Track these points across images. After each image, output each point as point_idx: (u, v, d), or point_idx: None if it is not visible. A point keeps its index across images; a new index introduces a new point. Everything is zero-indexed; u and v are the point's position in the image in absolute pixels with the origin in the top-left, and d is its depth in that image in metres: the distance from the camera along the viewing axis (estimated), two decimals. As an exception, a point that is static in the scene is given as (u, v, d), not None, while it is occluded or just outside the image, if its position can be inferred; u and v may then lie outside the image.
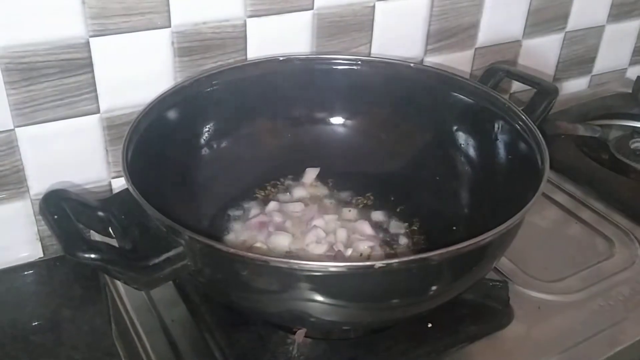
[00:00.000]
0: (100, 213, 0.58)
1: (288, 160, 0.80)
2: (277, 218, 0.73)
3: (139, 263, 0.51)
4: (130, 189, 0.55)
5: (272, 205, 0.75)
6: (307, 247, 0.69)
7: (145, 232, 0.54)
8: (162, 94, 0.70)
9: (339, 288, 0.52)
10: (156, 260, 0.51)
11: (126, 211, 0.57)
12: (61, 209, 0.53)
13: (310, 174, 0.80)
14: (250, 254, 0.50)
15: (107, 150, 0.77)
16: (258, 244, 0.69)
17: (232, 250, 0.50)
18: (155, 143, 0.66)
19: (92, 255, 0.48)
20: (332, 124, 0.82)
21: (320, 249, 0.68)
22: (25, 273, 0.77)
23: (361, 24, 0.87)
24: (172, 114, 0.70)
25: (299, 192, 0.78)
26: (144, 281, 0.52)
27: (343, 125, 0.82)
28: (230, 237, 0.71)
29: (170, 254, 0.52)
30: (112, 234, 0.57)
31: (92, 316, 0.75)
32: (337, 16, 0.84)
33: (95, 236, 0.62)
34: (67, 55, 0.69)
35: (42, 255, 0.78)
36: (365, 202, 0.78)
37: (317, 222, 0.72)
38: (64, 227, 0.51)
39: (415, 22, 0.91)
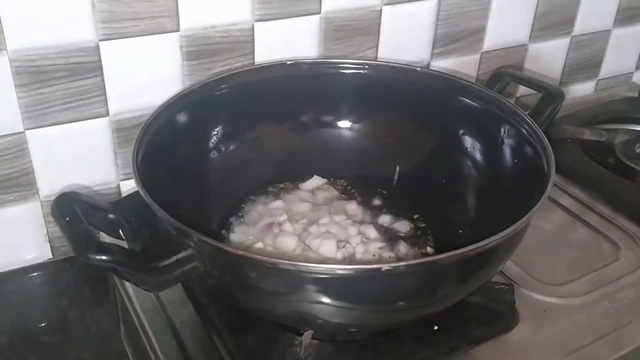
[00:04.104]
0: (110, 215, 0.58)
1: (295, 163, 0.81)
2: (284, 219, 0.73)
3: (149, 265, 0.51)
4: (141, 191, 0.55)
5: (279, 206, 0.75)
6: (313, 249, 0.69)
7: (155, 234, 0.55)
8: (171, 98, 0.70)
9: (346, 290, 0.53)
10: (166, 262, 0.52)
11: (136, 213, 0.57)
12: (72, 211, 0.53)
13: (314, 181, 0.80)
14: (259, 256, 0.51)
15: (115, 153, 0.77)
16: (265, 246, 0.70)
17: (240, 252, 0.51)
18: (165, 146, 0.67)
19: (103, 257, 0.49)
20: (340, 128, 0.82)
21: (327, 251, 0.68)
22: (34, 274, 0.77)
23: (368, 27, 0.87)
24: (181, 118, 0.71)
25: (305, 194, 0.79)
26: (153, 283, 0.52)
27: (350, 129, 0.82)
28: (238, 238, 0.72)
29: (180, 256, 0.52)
30: (123, 236, 0.58)
31: (100, 317, 0.75)
32: (344, 20, 0.85)
33: (106, 238, 0.63)
34: (77, 59, 0.70)
35: (51, 256, 0.78)
36: (371, 204, 0.78)
37: (324, 224, 0.72)
38: (75, 229, 0.52)
39: (422, 26, 0.92)
